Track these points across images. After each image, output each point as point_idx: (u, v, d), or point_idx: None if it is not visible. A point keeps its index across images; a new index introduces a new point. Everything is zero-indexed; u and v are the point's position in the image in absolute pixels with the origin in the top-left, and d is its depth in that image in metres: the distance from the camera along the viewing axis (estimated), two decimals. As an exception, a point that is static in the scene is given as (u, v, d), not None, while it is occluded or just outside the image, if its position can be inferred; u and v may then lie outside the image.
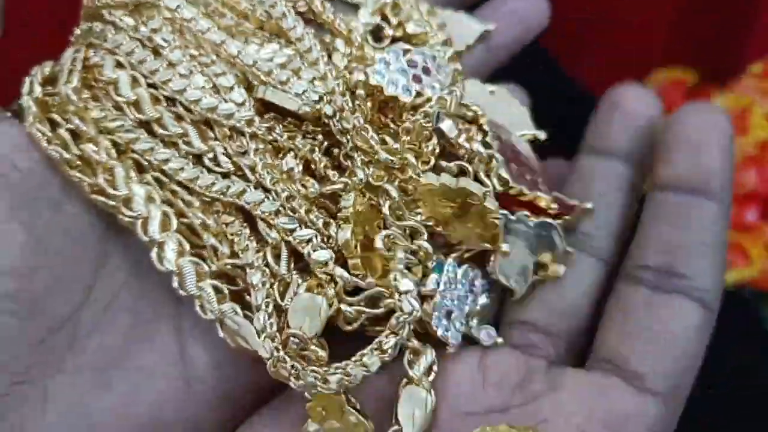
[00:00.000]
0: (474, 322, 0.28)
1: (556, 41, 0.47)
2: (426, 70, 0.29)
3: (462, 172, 0.28)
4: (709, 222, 0.28)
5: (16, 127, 0.27)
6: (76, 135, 0.27)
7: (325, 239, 0.27)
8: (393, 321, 0.26)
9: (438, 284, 0.27)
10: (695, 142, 0.28)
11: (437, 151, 0.28)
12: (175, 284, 0.27)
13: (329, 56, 0.29)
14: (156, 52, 0.28)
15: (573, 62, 0.48)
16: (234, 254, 0.27)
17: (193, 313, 0.27)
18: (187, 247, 0.27)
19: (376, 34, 0.30)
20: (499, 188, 0.28)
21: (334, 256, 0.26)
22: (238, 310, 0.27)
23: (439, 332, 0.27)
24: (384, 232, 0.27)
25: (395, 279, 0.26)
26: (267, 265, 0.27)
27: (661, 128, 0.30)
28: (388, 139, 0.28)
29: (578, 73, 0.49)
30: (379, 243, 0.27)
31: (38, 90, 0.28)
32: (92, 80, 0.28)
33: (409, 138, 0.28)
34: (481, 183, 0.28)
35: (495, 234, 0.27)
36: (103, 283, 0.27)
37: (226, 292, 0.27)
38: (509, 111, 0.31)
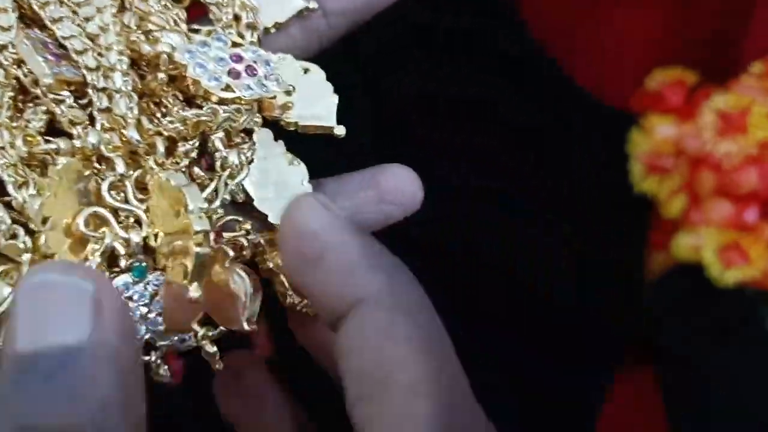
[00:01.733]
0: None
1: (555, 41, 0.47)
2: (251, 70, 0.25)
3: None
4: None
5: None
6: None
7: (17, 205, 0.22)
8: None
9: (127, 289, 0.23)
10: None
11: (193, 154, 0.25)
12: None
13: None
14: None
15: (572, 62, 0.48)
16: None
17: None
18: None
19: None
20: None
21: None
22: None
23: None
24: (91, 209, 0.23)
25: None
26: None
27: None
28: (145, 120, 0.24)
29: (577, 73, 0.49)
30: (80, 221, 0.23)
31: None
32: None
33: (174, 127, 0.24)
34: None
35: (185, 267, 0.22)
36: None
37: None
38: (319, 100, 0.27)
